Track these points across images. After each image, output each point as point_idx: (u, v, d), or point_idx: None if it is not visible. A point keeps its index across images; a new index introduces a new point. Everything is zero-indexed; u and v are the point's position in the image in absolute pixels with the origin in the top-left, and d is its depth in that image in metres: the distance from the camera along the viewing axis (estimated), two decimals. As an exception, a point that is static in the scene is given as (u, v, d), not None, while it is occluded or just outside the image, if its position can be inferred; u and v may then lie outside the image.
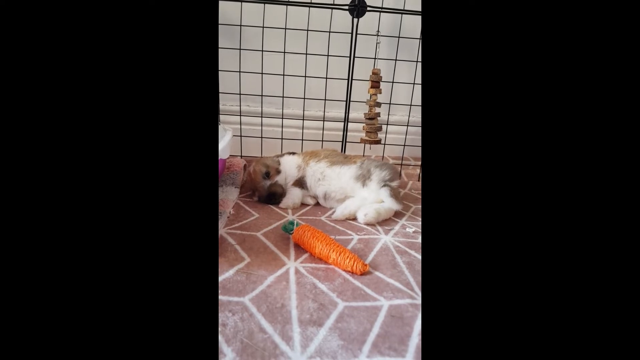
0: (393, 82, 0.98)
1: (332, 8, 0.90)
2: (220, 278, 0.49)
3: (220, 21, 0.93)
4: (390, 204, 0.75)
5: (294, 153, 0.90)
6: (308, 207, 0.83)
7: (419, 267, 0.56)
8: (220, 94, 0.99)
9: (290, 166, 0.85)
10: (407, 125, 1.03)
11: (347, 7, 0.89)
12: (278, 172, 0.84)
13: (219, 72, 0.92)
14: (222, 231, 0.64)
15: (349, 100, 0.96)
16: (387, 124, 1.01)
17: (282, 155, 0.89)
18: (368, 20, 0.90)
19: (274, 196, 0.81)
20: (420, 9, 0.87)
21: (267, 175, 0.82)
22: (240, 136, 1.03)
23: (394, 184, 0.79)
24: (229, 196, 0.80)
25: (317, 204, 0.85)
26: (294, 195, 0.82)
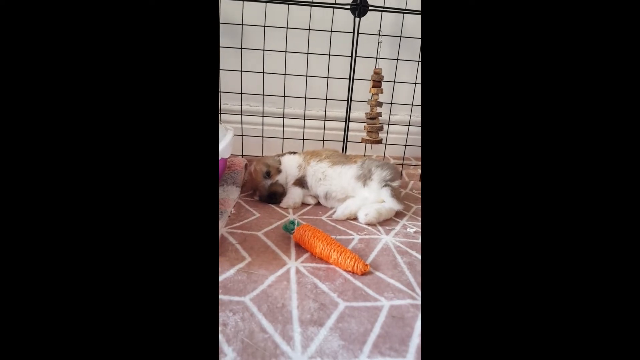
0: (395, 81, 0.98)
1: (334, 7, 0.90)
2: (221, 277, 0.49)
3: (221, 20, 0.93)
4: (391, 204, 0.75)
5: (295, 152, 0.90)
6: (309, 207, 0.82)
7: (420, 267, 0.56)
8: (221, 93, 0.99)
9: (291, 165, 0.85)
10: (409, 125, 1.02)
11: (349, 7, 0.89)
12: (279, 171, 0.84)
13: (221, 71, 0.92)
14: (222, 230, 0.64)
15: (351, 100, 0.96)
16: (389, 124, 1.01)
17: (283, 154, 0.89)
18: (370, 20, 0.90)
19: (274, 195, 0.81)
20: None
21: (268, 174, 0.82)
22: (242, 135, 1.03)
23: (395, 184, 0.79)
24: (230, 195, 0.80)
25: (318, 203, 0.85)
26: (294, 195, 0.82)
